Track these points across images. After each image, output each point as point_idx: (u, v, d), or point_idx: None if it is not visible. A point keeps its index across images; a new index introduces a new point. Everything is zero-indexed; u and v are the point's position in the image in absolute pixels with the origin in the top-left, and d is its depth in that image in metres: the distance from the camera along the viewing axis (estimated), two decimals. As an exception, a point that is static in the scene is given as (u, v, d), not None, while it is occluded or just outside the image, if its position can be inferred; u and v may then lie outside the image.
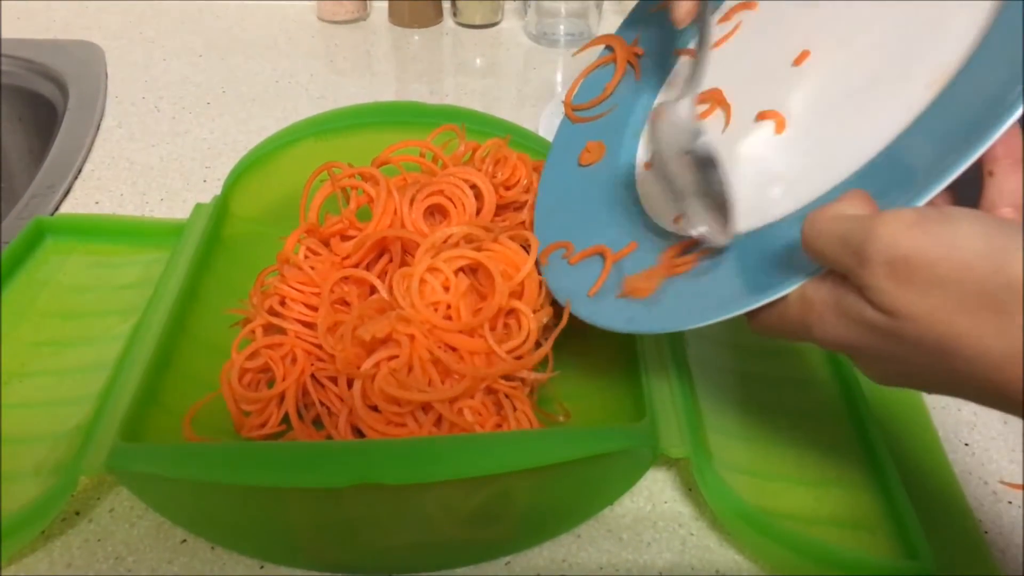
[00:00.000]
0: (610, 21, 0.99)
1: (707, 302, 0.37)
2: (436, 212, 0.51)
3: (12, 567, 0.41)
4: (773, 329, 0.35)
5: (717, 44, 0.48)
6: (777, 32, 0.45)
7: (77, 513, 0.44)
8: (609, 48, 0.54)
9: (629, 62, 0.52)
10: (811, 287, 0.33)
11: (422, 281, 0.46)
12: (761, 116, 0.42)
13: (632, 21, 0.54)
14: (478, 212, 0.51)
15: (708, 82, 0.44)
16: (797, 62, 0.42)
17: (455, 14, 0.98)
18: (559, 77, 0.88)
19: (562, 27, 0.94)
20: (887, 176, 0.34)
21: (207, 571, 0.41)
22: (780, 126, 0.41)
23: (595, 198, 0.49)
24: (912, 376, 0.32)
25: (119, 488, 0.45)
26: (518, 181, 0.54)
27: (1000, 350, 0.28)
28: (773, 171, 0.40)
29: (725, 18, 0.49)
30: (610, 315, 0.42)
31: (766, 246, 0.36)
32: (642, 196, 0.47)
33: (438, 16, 0.98)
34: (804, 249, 0.32)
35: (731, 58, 0.47)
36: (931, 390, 0.33)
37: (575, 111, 0.54)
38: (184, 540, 0.43)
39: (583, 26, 0.94)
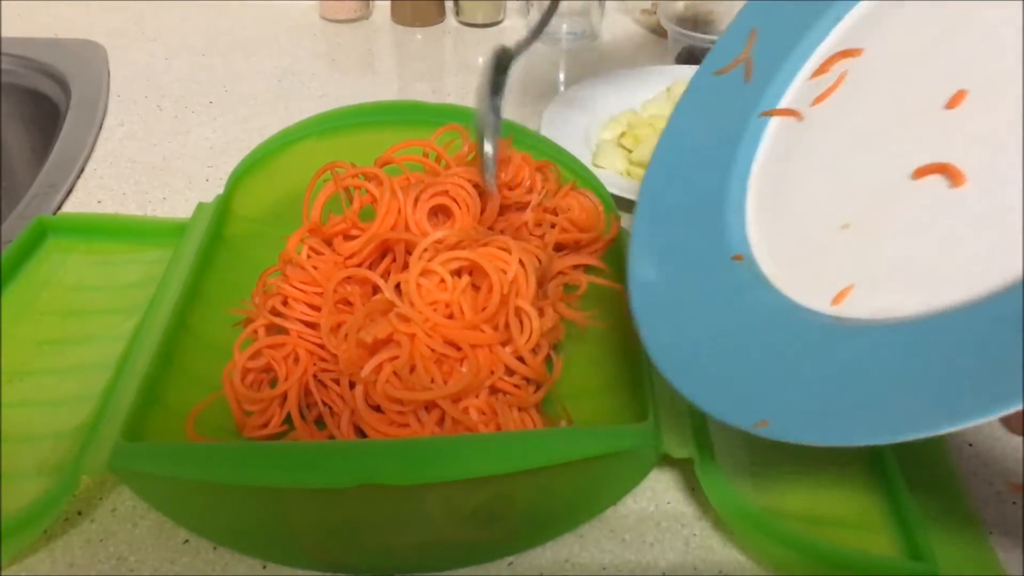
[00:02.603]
0: (612, 19, 0.99)
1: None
2: (440, 212, 0.51)
3: (14, 567, 0.41)
4: None
5: (819, 99, 0.41)
6: (907, 75, 0.38)
7: (79, 513, 0.43)
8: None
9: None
10: None
11: (418, 284, 0.46)
12: (921, 172, 0.34)
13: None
14: (482, 212, 0.51)
15: (825, 145, 0.39)
16: (951, 104, 0.35)
17: (457, 13, 0.98)
18: (561, 76, 0.88)
19: (564, 26, 0.94)
20: None
21: (209, 571, 0.41)
22: (957, 178, 0.33)
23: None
24: None
25: (121, 488, 0.44)
26: (521, 181, 0.54)
27: None
28: (960, 235, 0.32)
29: (820, 71, 0.42)
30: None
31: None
32: None
33: (440, 15, 0.98)
34: None
35: (849, 112, 0.39)
36: None
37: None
38: (186, 540, 0.42)
39: (585, 24, 0.94)
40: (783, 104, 0.43)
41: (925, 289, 0.31)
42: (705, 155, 0.44)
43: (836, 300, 0.34)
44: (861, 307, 0.33)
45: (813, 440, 0.30)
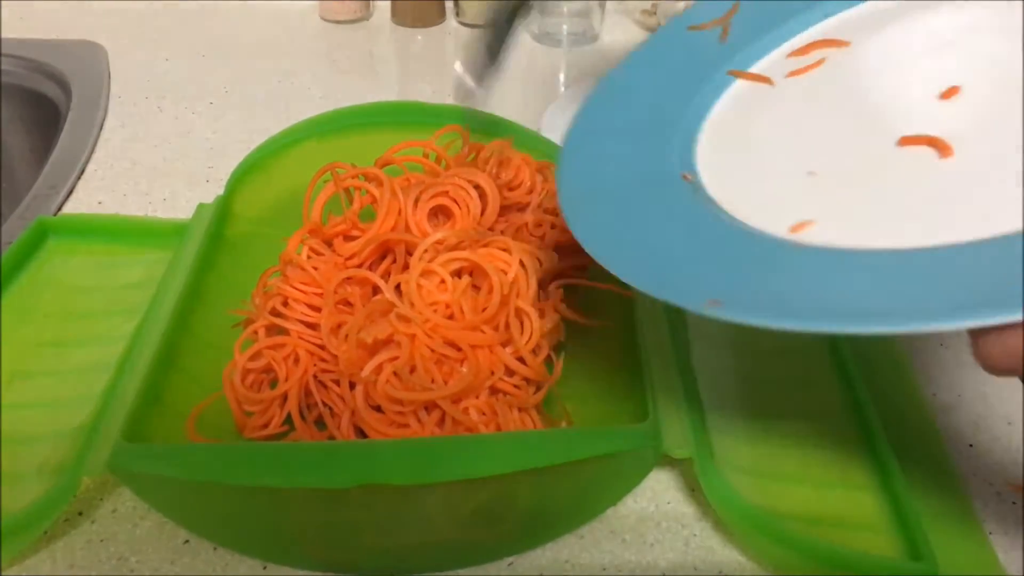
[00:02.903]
0: (613, 21, 0.99)
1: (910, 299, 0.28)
2: (440, 213, 0.51)
3: (14, 568, 0.41)
4: None
5: (795, 73, 0.42)
6: (898, 69, 0.39)
7: (80, 513, 0.44)
8: None
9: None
10: None
11: (418, 285, 0.46)
12: (908, 141, 0.34)
13: None
14: (482, 213, 0.51)
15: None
16: (946, 96, 0.35)
17: (458, 14, 0.98)
18: (562, 77, 0.88)
19: (565, 27, 0.94)
20: None
21: (210, 571, 0.41)
22: (945, 150, 0.33)
23: None
24: None
25: (122, 488, 0.45)
26: (521, 182, 0.54)
27: None
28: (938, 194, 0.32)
29: (799, 53, 0.43)
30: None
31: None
32: None
33: (441, 16, 0.98)
34: None
35: (826, 89, 0.40)
36: None
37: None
38: (187, 540, 0.42)
39: (586, 25, 0.94)
40: (755, 71, 0.44)
41: (892, 232, 0.31)
42: (662, 87, 0.44)
43: (794, 230, 0.33)
44: (820, 239, 0.32)
45: (766, 320, 0.29)
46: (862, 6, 0.44)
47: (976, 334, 0.27)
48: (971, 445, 0.47)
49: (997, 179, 0.31)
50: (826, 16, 0.44)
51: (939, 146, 0.33)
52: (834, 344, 0.51)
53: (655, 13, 0.96)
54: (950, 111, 0.35)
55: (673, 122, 0.42)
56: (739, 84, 0.44)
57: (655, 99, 0.44)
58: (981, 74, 0.36)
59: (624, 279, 0.33)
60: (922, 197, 0.32)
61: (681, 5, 0.90)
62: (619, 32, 0.98)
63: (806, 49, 0.43)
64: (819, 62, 0.42)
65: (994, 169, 0.32)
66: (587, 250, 0.36)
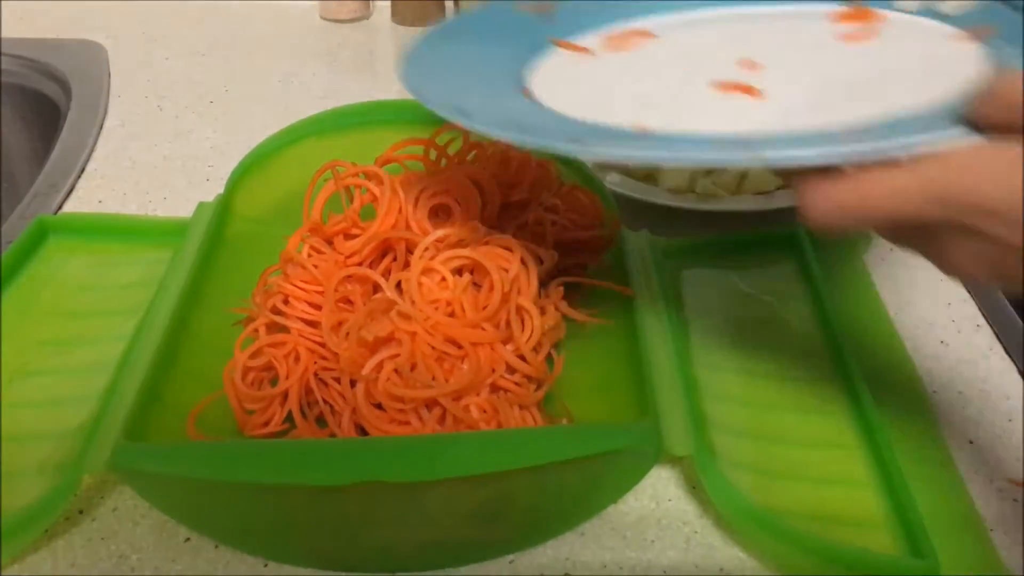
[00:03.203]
0: (613, 19, 0.99)
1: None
2: (440, 211, 0.51)
3: (15, 566, 0.41)
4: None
5: (614, 48, 0.50)
6: (704, 51, 0.48)
7: (80, 512, 0.43)
8: None
9: None
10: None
11: (419, 283, 0.46)
12: (725, 88, 0.42)
13: None
14: (482, 211, 0.51)
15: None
16: (747, 66, 0.44)
17: (457, 13, 0.98)
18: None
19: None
20: None
21: (211, 570, 0.41)
22: (756, 94, 0.41)
23: None
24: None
25: (122, 487, 0.45)
26: (521, 180, 0.54)
27: None
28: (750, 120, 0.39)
29: (616, 37, 0.51)
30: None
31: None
32: None
33: (440, 15, 0.98)
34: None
35: (643, 59, 0.49)
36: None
37: None
38: (188, 539, 0.42)
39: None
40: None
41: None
42: (495, 36, 0.50)
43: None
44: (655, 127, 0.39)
45: (620, 152, 0.35)
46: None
47: (799, 184, 0.30)
48: (972, 442, 0.47)
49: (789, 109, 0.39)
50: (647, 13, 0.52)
51: (748, 90, 0.41)
52: (835, 341, 0.51)
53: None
54: (749, 75, 0.42)
55: (508, 59, 0.48)
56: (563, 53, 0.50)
57: (489, 47, 0.49)
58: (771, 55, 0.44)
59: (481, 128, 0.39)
60: (735, 119, 0.39)
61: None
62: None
63: (622, 34, 0.51)
64: (635, 44, 0.50)
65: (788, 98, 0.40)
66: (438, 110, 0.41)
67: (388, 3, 0.99)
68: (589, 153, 0.37)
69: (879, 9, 0.48)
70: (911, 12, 0.47)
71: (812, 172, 0.30)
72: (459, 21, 0.57)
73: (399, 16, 0.97)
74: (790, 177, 0.32)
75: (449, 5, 0.99)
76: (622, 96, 0.44)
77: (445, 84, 0.45)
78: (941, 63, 0.41)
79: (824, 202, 0.30)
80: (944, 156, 0.29)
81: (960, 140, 0.29)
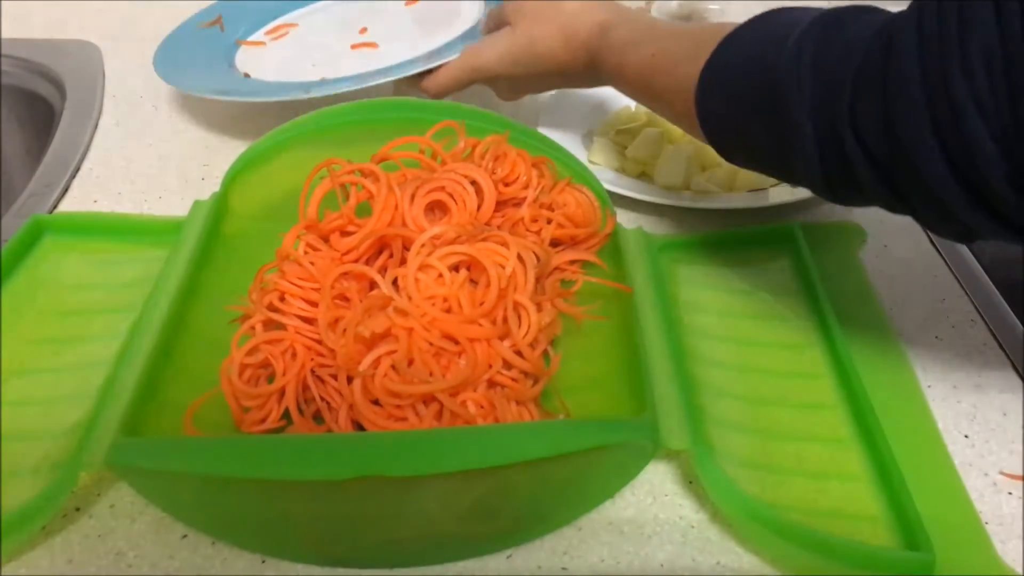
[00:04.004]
0: (607, 19, 0.99)
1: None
2: (436, 208, 0.51)
3: (13, 563, 0.41)
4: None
5: (275, 39, 0.83)
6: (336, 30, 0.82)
7: (77, 509, 0.43)
8: None
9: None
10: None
11: (416, 279, 0.46)
12: (356, 46, 0.77)
13: None
14: (478, 208, 0.51)
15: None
16: (362, 32, 0.79)
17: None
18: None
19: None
20: None
21: (208, 566, 0.41)
22: (375, 47, 0.76)
23: None
24: (531, 80, 0.63)
25: (119, 484, 0.44)
26: (517, 177, 0.55)
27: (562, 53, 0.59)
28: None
29: (271, 32, 0.84)
30: None
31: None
32: None
33: None
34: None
35: (295, 41, 0.82)
36: (537, 87, 0.65)
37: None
38: (185, 535, 0.42)
39: (580, 24, 0.94)
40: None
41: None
42: (199, 44, 0.81)
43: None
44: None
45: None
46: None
47: (423, 81, 0.66)
48: (966, 436, 0.48)
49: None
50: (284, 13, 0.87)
51: (372, 45, 0.76)
52: (831, 337, 0.51)
53: (649, 11, 0.97)
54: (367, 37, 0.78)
55: (221, 56, 0.79)
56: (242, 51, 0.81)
57: (203, 49, 0.80)
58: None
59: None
60: (369, 63, 0.71)
61: (674, 4, 0.90)
62: (613, 30, 0.98)
63: (275, 29, 0.84)
64: (285, 33, 0.83)
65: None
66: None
67: None
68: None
69: None
70: None
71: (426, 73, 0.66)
72: (171, 39, 0.81)
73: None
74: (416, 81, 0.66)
75: None
76: (303, 63, 0.76)
77: (191, 76, 0.74)
78: (462, 12, 0.77)
79: (428, 83, 0.65)
80: (466, 50, 0.64)
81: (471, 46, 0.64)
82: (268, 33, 0.83)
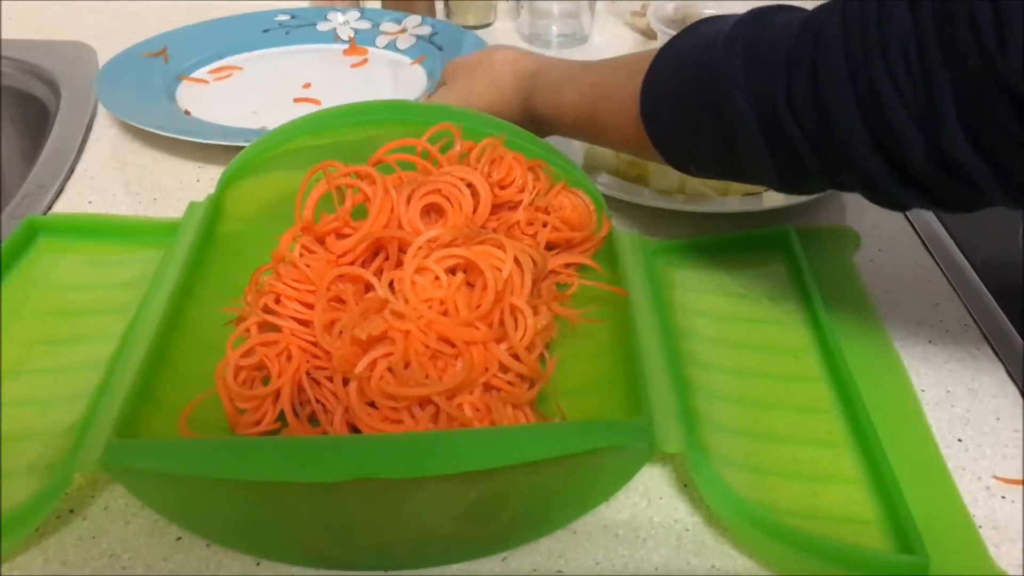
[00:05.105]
0: (603, 21, 1.00)
1: None
2: (432, 211, 0.52)
3: (6, 565, 0.41)
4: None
5: (218, 79, 0.86)
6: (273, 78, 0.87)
7: (71, 511, 0.43)
8: None
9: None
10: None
11: (412, 282, 0.46)
12: (298, 100, 0.82)
13: None
14: (474, 211, 0.51)
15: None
16: (306, 86, 0.84)
17: (448, 15, 0.98)
18: (552, 78, 0.88)
19: (555, 28, 0.94)
20: None
21: (203, 568, 0.41)
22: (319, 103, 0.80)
23: None
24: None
25: (114, 486, 0.44)
26: (513, 180, 0.55)
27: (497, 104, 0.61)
28: None
29: (215, 71, 0.87)
30: None
31: None
32: None
33: (431, 16, 0.98)
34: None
35: (239, 84, 0.86)
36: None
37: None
38: (179, 537, 0.42)
39: (576, 27, 0.95)
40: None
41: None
42: (145, 72, 0.84)
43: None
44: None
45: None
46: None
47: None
48: (960, 440, 0.48)
49: None
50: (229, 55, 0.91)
51: (315, 101, 0.80)
52: (825, 340, 0.51)
53: (645, 15, 0.97)
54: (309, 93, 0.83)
55: (161, 88, 0.82)
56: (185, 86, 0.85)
57: (145, 78, 0.83)
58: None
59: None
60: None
61: (670, 7, 0.90)
62: (609, 33, 0.98)
63: (219, 70, 0.87)
64: (229, 75, 0.86)
65: None
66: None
67: (378, 4, 0.99)
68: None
69: (366, 47, 0.92)
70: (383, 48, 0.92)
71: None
72: (112, 64, 0.82)
73: (389, 18, 0.98)
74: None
75: (440, 6, 0.99)
76: (244, 108, 0.78)
77: (132, 105, 0.75)
78: (405, 80, 0.85)
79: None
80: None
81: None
82: (212, 72, 0.87)
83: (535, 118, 0.60)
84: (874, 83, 0.38)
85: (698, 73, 0.46)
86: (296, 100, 0.80)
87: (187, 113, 0.78)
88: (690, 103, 0.47)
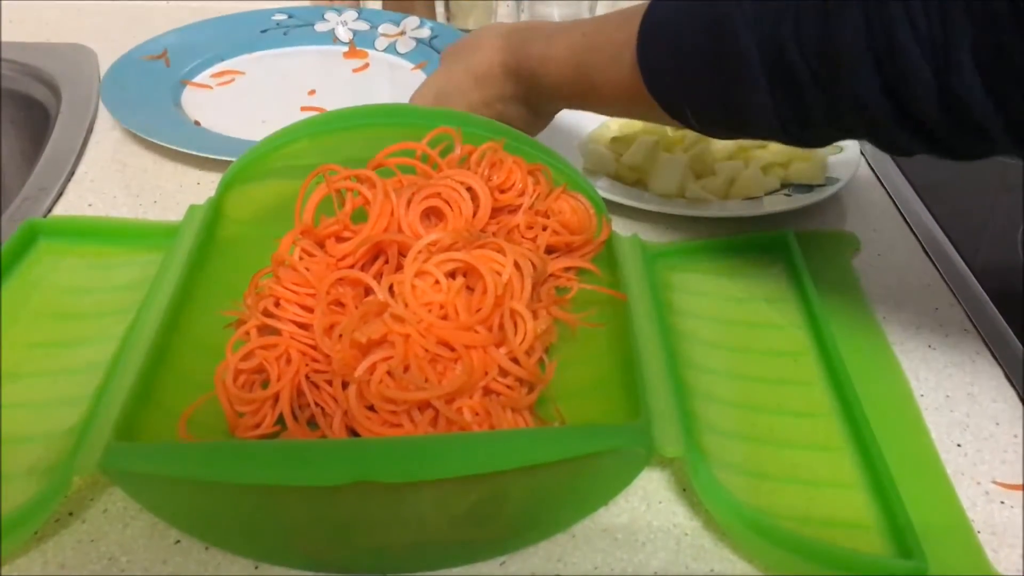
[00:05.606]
0: (603, 26, 1.00)
1: None
2: (432, 215, 0.52)
3: (5, 568, 0.41)
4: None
5: (221, 84, 0.85)
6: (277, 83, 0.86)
7: (70, 514, 0.43)
8: None
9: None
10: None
11: (412, 286, 0.46)
12: (306, 108, 0.80)
13: None
14: (474, 215, 0.51)
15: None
16: (311, 93, 0.83)
17: (448, 17, 0.98)
18: (552, 82, 0.88)
19: (555, 31, 0.94)
20: None
21: (201, 571, 0.41)
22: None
23: None
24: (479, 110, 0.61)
25: (112, 489, 0.44)
26: (513, 184, 0.55)
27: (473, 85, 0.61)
28: None
29: (217, 75, 0.86)
30: None
31: None
32: None
33: (431, 18, 0.98)
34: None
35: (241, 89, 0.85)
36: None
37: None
38: (178, 540, 0.42)
39: (576, 31, 0.94)
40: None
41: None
42: (148, 76, 0.83)
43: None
44: None
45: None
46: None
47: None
48: (959, 445, 0.48)
49: None
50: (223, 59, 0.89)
51: (320, 110, 0.76)
52: (824, 344, 0.51)
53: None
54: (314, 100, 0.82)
55: (166, 94, 0.81)
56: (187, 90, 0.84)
57: (149, 84, 0.82)
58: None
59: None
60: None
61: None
62: (609, 37, 0.98)
63: (221, 74, 0.86)
64: (231, 80, 0.86)
65: None
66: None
67: (379, 6, 0.99)
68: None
69: (366, 49, 0.91)
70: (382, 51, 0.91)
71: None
72: (115, 69, 0.82)
73: (389, 22, 0.98)
74: None
75: (440, 9, 0.99)
76: (253, 117, 0.78)
77: (141, 115, 0.75)
78: (408, 81, 0.82)
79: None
80: (417, 91, 0.64)
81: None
82: (214, 76, 0.86)
83: (521, 77, 0.58)
84: (888, 20, 0.37)
85: (702, 11, 0.44)
86: (303, 108, 0.80)
87: (197, 123, 0.77)
88: (691, 44, 0.45)
